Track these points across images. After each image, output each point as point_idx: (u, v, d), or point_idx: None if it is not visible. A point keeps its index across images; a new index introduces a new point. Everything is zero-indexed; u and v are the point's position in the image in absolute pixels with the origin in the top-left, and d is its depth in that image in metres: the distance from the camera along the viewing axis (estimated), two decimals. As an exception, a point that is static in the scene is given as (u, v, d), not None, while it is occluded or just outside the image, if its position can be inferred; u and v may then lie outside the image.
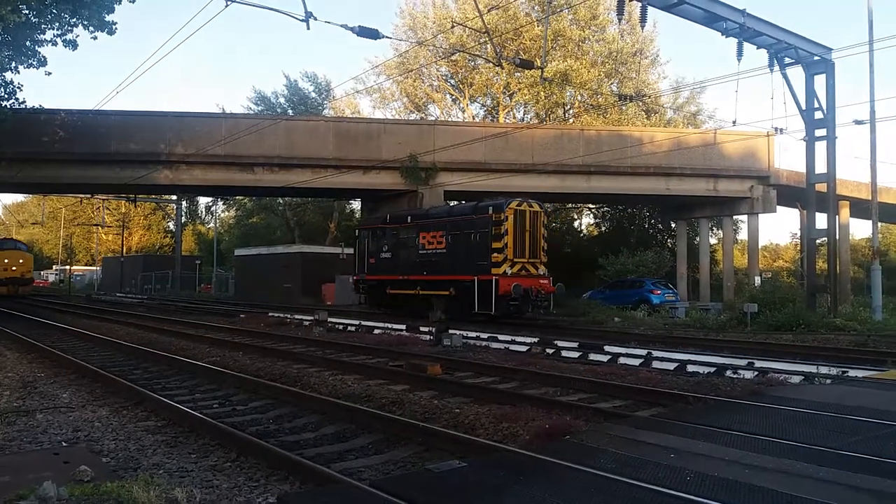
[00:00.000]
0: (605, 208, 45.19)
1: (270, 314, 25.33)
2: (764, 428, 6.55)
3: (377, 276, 26.33)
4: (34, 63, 20.52)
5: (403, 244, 25.15)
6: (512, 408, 7.96)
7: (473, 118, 43.92)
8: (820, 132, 21.71)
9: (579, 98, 41.84)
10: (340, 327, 20.26)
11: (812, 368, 10.86)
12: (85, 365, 11.80)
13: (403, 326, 19.49)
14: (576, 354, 13.75)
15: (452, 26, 30.25)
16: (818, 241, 24.23)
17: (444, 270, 23.09)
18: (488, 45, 31.46)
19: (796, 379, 10.13)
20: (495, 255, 21.28)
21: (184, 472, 5.98)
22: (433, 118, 42.97)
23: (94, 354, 14.09)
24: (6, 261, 43.04)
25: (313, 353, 14.10)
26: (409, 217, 25.63)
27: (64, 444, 7.00)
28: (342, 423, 7.70)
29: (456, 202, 30.47)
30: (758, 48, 20.91)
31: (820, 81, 21.56)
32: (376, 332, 18.79)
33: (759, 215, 32.06)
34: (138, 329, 19.56)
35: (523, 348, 14.68)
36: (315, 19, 11.75)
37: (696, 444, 5.92)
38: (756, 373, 10.77)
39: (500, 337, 16.59)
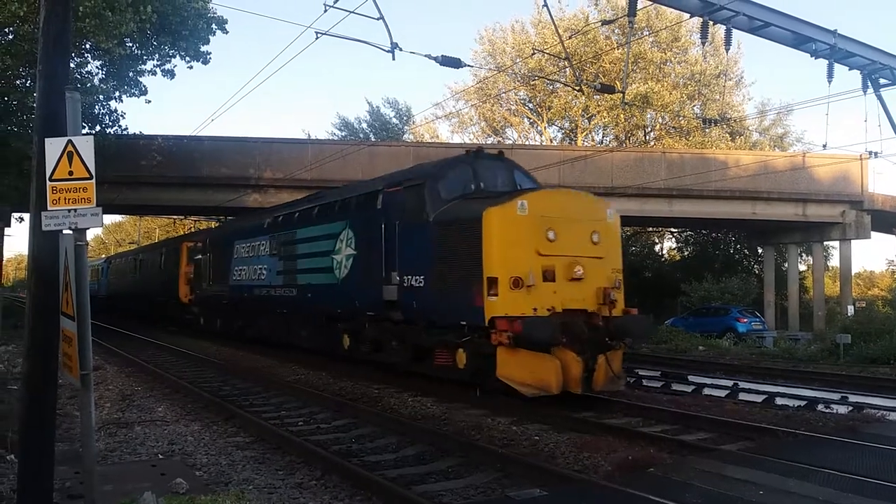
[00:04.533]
0: (688, 232, 44.09)
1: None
2: (861, 467, 6.29)
3: None
4: (136, 92, 21.80)
5: None
6: (592, 437, 7.90)
7: (551, 141, 43.70)
8: (920, 155, 20.71)
9: (661, 120, 41.14)
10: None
11: (913, 405, 10.32)
12: (178, 381, 12.36)
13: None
14: (658, 384, 13.47)
15: (533, 53, 30.31)
16: (918, 270, 22.98)
17: None
18: (567, 70, 31.43)
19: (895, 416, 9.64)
20: None
21: (272, 489, 6.20)
22: (510, 141, 43.01)
23: (185, 370, 14.73)
24: (555, 233, 9.90)
25: (392, 374, 14.29)
26: None
27: (160, 456, 7.37)
28: (422, 444, 7.81)
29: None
30: (850, 69, 20.12)
31: (919, 102, 20.60)
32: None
33: (852, 241, 30.63)
34: (226, 346, 20.28)
35: (602, 375, 14.45)
36: (400, 50, 11.97)
37: (787, 482, 5.75)
38: (850, 408, 10.32)
39: (579, 363, 16.36)
